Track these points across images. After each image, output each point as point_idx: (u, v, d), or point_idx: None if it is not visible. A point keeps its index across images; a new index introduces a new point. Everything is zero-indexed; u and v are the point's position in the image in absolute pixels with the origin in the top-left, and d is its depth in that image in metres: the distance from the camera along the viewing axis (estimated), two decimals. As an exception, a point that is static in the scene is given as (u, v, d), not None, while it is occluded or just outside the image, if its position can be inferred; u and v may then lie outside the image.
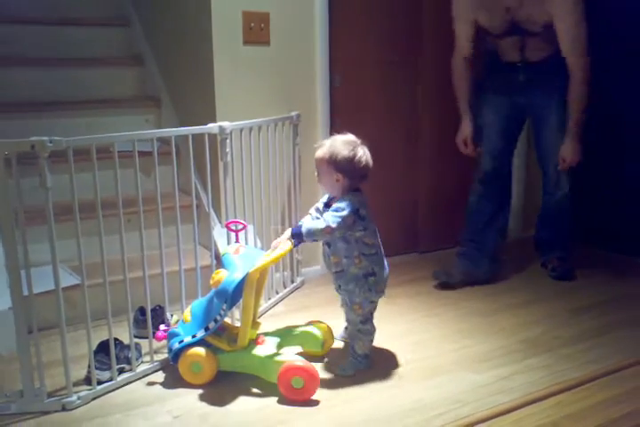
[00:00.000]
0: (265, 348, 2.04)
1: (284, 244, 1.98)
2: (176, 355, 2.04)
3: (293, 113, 2.82)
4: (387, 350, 2.27)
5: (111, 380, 2.00)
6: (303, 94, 2.97)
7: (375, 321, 2.14)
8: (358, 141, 2.08)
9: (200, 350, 2.00)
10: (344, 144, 2.04)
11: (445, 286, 2.90)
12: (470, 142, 2.97)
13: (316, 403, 1.91)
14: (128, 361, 2.07)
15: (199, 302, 2.11)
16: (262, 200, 2.68)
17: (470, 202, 3.06)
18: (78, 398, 1.90)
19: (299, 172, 2.87)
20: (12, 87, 3.17)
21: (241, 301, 2.04)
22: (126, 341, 2.10)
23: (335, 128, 3.00)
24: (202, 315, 2.05)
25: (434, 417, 1.83)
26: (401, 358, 2.21)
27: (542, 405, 1.91)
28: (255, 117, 2.61)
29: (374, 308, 2.14)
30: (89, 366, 1.97)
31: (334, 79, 3.03)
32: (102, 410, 1.88)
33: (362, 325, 2.12)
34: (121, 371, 2.04)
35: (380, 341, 2.25)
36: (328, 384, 2.01)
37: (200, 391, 1.98)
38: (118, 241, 1.98)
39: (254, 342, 2.06)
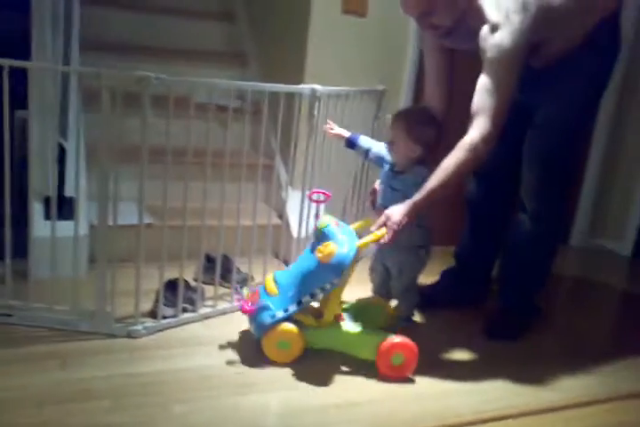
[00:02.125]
0: (350, 324, 2.00)
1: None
2: (263, 330, 1.93)
3: (380, 87, 2.84)
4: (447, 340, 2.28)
5: (174, 317, 2.08)
6: (391, 70, 2.99)
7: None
8: (437, 115, 2.13)
9: (292, 327, 1.91)
10: (426, 116, 2.08)
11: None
12: None
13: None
14: (191, 302, 2.14)
15: (287, 274, 2.01)
16: (337, 168, 2.71)
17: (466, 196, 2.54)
18: (143, 329, 1.99)
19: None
20: (104, 28, 3.24)
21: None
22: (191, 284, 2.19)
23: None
24: (295, 288, 1.93)
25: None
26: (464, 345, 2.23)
27: (594, 409, 1.91)
28: (341, 86, 2.64)
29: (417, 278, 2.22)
30: (155, 301, 2.06)
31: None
32: (164, 342, 1.97)
33: (406, 292, 2.19)
34: (184, 310, 2.11)
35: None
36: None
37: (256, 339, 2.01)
38: (195, 189, 2.04)
39: (336, 318, 2.01)
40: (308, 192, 2.24)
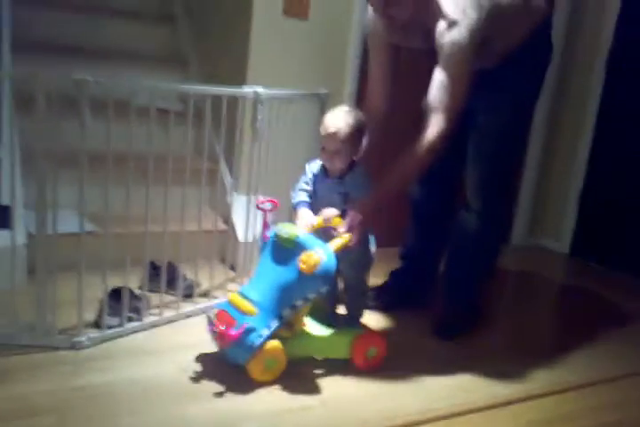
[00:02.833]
0: (316, 328, 2.00)
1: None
2: (251, 353, 1.81)
3: (323, 91, 2.84)
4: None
5: (120, 326, 2.02)
6: (333, 73, 3.00)
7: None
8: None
9: (276, 343, 1.84)
10: (358, 116, 2.04)
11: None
12: None
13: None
14: (137, 311, 2.08)
15: (258, 289, 1.90)
16: (282, 171, 2.69)
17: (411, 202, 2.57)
18: (87, 339, 1.93)
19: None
20: (37, 28, 3.13)
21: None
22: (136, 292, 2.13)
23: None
24: (273, 303, 1.85)
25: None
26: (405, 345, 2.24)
27: (539, 402, 1.95)
28: (283, 89, 2.62)
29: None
30: (99, 311, 2.00)
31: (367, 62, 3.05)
32: (109, 353, 1.92)
33: (360, 294, 2.18)
34: (129, 320, 2.06)
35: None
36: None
37: (204, 347, 1.96)
38: (137, 195, 1.99)
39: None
40: (254, 199, 2.18)
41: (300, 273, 1.81)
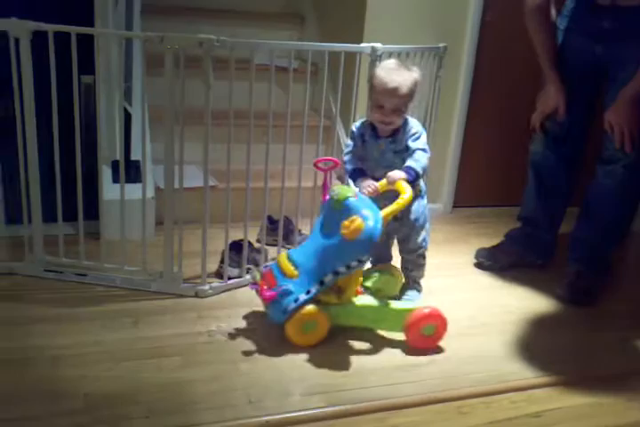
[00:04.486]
0: (370, 297, 1.89)
1: (408, 188, 1.82)
2: (286, 315, 1.79)
3: (441, 44, 2.77)
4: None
5: (240, 277, 2.13)
6: (452, 26, 2.90)
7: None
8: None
9: (313, 308, 1.79)
10: (413, 70, 1.93)
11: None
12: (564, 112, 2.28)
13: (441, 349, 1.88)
14: (255, 263, 2.18)
15: (304, 253, 1.86)
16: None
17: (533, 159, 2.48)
18: (210, 288, 2.05)
19: (437, 103, 2.82)
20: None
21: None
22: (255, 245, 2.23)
23: (480, 65, 2.96)
24: (316, 267, 1.80)
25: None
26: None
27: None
28: (400, 44, 2.58)
29: None
30: (221, 262, 2.11)
31: (487, 13, 2.93)
32: (230, 302, 2.03)
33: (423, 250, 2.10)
34: (248, 271, 2.15)
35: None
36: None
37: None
38: (256, 151, 2.04)
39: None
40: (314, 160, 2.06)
41: (342, 239, 1.73)
